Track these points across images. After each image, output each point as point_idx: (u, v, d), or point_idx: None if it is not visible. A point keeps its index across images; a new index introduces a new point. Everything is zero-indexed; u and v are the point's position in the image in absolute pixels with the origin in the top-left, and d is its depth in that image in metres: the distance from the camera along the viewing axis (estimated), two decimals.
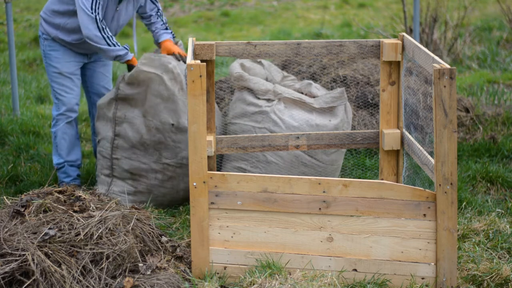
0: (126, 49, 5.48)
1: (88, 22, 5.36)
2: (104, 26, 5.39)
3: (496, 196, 5.77)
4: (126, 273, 4.22)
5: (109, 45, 5.41)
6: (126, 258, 4.24)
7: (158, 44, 5.76)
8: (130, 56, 5.50)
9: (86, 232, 4.19)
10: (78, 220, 4.26)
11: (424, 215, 4.32)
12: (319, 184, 4.34)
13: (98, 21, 5.36)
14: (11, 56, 7.46)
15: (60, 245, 4.11)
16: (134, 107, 5.51)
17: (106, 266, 4.14)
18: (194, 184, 4.36)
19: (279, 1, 14.54)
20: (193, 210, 4.39)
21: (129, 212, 4.53)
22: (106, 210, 4.40)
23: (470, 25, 10.73)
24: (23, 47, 10.80)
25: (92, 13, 5.34)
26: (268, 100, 5.54)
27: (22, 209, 4.34)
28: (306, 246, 4.40)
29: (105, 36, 5.39)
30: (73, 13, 5.52)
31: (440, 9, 9.59)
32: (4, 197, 4.60)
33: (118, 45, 5.45)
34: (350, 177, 5.99)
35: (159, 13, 5.81)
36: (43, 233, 4.11)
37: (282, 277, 4.25)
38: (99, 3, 5.37)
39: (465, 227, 5.07)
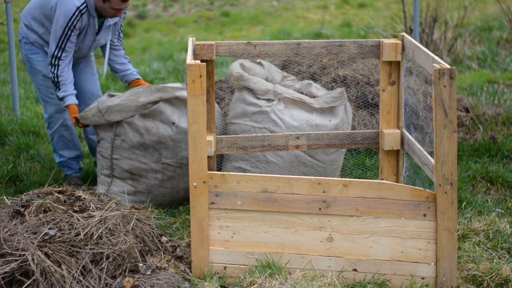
0: (62, 97, 5.52)
1: (50, 50, 5.47)
2: (56, 64, 5.47)
3: (496, 196, 5.77)
4: (126, 273, 4.22)
5: (52, 81, 5.51)
6: (126, 258, 4.24)
7: (129, 83, 5.90)
8: (65, 103, 5.54)
9: (86, 232, 4.19)
10: (78, 220, 4.26)
11: (424, 215, 4.32)
12: (319, 184, 4.34)
13: (53, 58, 5.45)
14: (11, 56, 7.46)
15: (60, 245, 4.11)
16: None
17: (106, 266, 4.14)
18: (194, 184, 4.36)
19: (279, 1, 14.54)
20: (193, 210, 4.39)
21: (129, 212, 4.53)
22: (106, 210, 4.39)
23: (470, 25, 10.73)
24: None
25: (55, 48, 5.44)
26: (268, 100, 5.54)
27: (22, 209, 4.34)
28: (306, 246, 4.40)
29: (52, 74, 5.48)
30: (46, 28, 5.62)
31: (440, 9, 9.59)
32: (4, 197, 4.60)
33: (61, 89, 5.50)
34: (350, 177, 5.99)
35: (120, 41, 5.91)
36: (43, 233, 4.11)
37: (282, 277, 4.25)
38: (68, 40, 5.44)
39: (465, 227, 5.07)
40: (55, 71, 5.47)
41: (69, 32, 5.41)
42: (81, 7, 5.42)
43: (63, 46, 5.44)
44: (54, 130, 5.78)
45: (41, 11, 5.56)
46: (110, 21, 5.63)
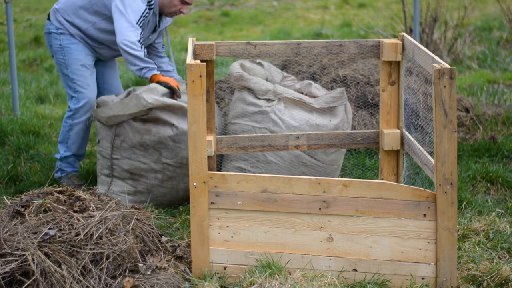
0: (153, 64, 5.50)
1: (129, 30, 5.40)
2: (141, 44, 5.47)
3: (496, 196, 5.77)
4: (126, 273, 4.22)
5: (142, 55, 5.43)
6: (126, 258, 4.24)
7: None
8: (155, 71, 5.49)
9: (86, 232, 4.19)
10: (78, 220, 4.26)
11: (424, 215, 4.32)
12: (319, 184, 4.34)
13: (140, 34, 5.43)
14: (11, 56, 7.46)
15: (60, 245, 4.11)
16: None
17: (106, 266, 4.14)
18: (194, 184, 4.36)
19: (279, 1, 14.54)
20: (193, 210, 4.39)
21: (129, 212, 4.53)
22: (106, 210, 4.39)
23: (470, 25, 10.74)
24: (23, 47, 10.80)
25: (137, 28, 5.43)
26: (268, 100, 5.54)
27: (22, 209, 4.34)
28: (306, 246, 4.40)
29: (144, 52, 5.44)
30: (105, 17, 5.59)
31: (440, 9, 9.59)
32: (4, 197, 4.60)
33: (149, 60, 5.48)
34: (350, 177, 5.99)
35: (164, 48, 5.95)
36: (43, 233, 4.11)
37: (282, 277, 4.25)
38: (143, 21, 5.47)
39: (465, 227, 5.07)
40: (144, 49, 5.44)
41: (141, 23, 5.45)
42: (151, 1, 5.47)
43: (140, 24, 5.45)
44: (75, 122, 5.69)
45: (95, 8, 5.55)
46: (165, 23, 5.68)
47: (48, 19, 5.76)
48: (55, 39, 5.69)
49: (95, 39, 5.67)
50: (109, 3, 5.54)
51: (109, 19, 5.58)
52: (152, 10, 5.51)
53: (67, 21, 5.65)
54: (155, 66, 5.49)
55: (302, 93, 5.72)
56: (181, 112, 5.48)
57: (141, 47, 5.42)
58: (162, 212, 5.45)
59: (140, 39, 5.42)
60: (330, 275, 4.31)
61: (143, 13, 5.44)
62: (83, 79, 5.67)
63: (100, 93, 5.93)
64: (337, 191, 4.34)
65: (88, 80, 5.68)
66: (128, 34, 5.40)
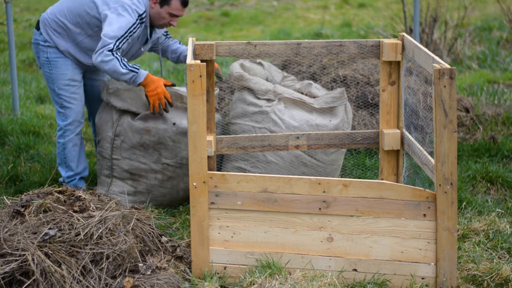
0: (136, 69, 5.27)
1: (108, 40, 5.21)
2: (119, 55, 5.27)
3: (496, 196, 5.77)
4: (126, 273, 4.22)
5: (122, 66, 5.22)
6: (126, 258, 4.24)
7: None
8: (142, 77, 5.27)
9: (86, 232, 4.19)
10: (78, 220, 4.26)
11: (424, 215, 4.32)
12: (319, 184, 4.34)
13: (114, 50, 5.22)
14: (11, 56, 7.46)
15: (60, 245, 4.11)
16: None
17: (106, 266, 4.14)
18: (194, 184, 4.36)
19: (279, 1, 14.55)
20: (193, 210, 4.39)
21: (129, 212, 4.53)
22: (106, 210, 4.40)
23: (470, 25, 10.74)
24: (23, 47, 10.80)
25: (115, 42, 5.22)
26: (268, 100, 5.54)
27: (22, 209, 4.34)
28: (306, 246, 4.40)
29: (123, 61, 5.24)
30: (88, 35, 5.44)
31: (440, 9, 9.59)
32: (4, 197, 4.60)
33: (135, 66, 5.28)
34: (350, 177, 5.99)
35: (168, 35, 5.76)
36: (43, 233, 4.11)
37: (282, 277, 4.25)
38: (129, 35, 5.29)
39: (465, 227, 5.07)
40: (124, 60, 5.23)
41: (127, 38, 5.26)
42: (143, 15, 5.30)
43: (119, 45, 5.24)
44: (68, 138, 5.55)
45: (85, 19, 5.38)
46: (158, 33, 5.53)
47: (37, 28, 5.56)
48: (43, 52, 5.51)
49: (84, 57, 5.50)
50: (95, 18, 5.35)
51: (95, 37, 5.41)
52: (143, 24, 5.33)
53: (57, 35, 5.47)
54: (136, 72, 5.26)
55: (302, 93, 5.73)
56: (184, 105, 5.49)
57: (115, 55, 5.20)
58: (162, 212, 5.45)
59: (115, 48, 5.20)
60: (330, 275, 4.31)
61: (130, 27, 5.24)
62: (71, 95, 5.51)
63: (89, 103, 5.79)
64: (337, 191, 4.34)
65: (75, 95, 5.52)
66: (102, 50, 5.20)
